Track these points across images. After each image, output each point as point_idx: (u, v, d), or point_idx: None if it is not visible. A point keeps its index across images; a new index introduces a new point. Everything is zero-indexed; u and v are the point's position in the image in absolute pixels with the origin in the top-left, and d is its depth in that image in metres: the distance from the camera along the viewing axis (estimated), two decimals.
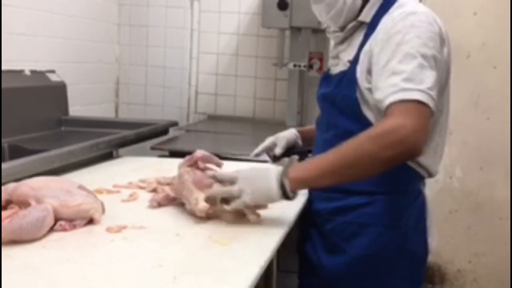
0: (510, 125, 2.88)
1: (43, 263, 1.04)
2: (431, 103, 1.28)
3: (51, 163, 1.69)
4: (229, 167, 1.51)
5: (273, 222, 1.35)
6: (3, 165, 1.48)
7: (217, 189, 1.31)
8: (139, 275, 1.01)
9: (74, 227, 1.23)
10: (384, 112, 1.31)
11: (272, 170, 1.29)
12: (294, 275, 1.64)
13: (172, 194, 1.45)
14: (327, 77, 1.58)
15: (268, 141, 1.75)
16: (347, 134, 1.41)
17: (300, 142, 1.77)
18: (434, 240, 1.56)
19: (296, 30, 2.98)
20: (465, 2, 2.87)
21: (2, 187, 1.28)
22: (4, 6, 2.23)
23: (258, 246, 1.18)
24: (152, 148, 2.36)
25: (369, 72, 1.39)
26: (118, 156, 2.21)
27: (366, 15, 1.46)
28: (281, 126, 3.09)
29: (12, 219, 1.15)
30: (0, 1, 2.19)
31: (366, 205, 1.46)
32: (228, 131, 2.99)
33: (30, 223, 1.14)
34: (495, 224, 2.97)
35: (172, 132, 2.67)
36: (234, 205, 1.28)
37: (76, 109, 2.76)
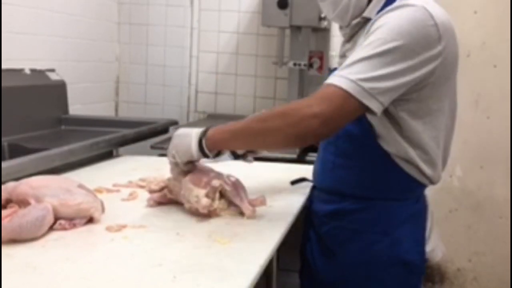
0: (510, 124, 2.88)
1: (43, 262, 1.04)
2: (359, 94, 1.21)
3: (51, 162, 1.69)
4: (229, 167, 1.51)
5: (273, 222, 1.35)
6: (3, 164, 1.48)
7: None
8: (139, 274, 1.01)
9: (74, 226, 1.23)
10: None
11: (194, 131, 1.39)
12: (294, 274, 1.64)
13: (169, 195, 1.45)
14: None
15: None
16: (347, 135, 1.41)
17: None
18: (438, 250, 1.52)
19: (296, 28, 2.98)
20: (465, 1, 2.86)
21: (2, 186, 1.28)
22: (4, 4, 2.23)
23: (258, 246, 1.18)
24: (152, 147, 2.36)
25: None
26: (118, 155, 2.21)
27: (371, 11, 1.40)
28: None
29: (12, 218, 1.15)
30: (0, 0, 2.19)
31: (360, 210, 1.43)
32: None
33: (30, 222, 1.14)
34: (495, 223, 2.97)
35: (172, 131, 2.67)
36: (172, 167, 1.44)
37: (76, 108, 2.76)
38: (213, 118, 3.33)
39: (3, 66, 2.20)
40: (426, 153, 1.38)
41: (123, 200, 1.51)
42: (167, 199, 1.45)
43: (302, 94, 3.11)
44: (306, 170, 1.72)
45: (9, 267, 1.01)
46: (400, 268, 1.42)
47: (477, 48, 2.89)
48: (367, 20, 1.40)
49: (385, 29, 1.27)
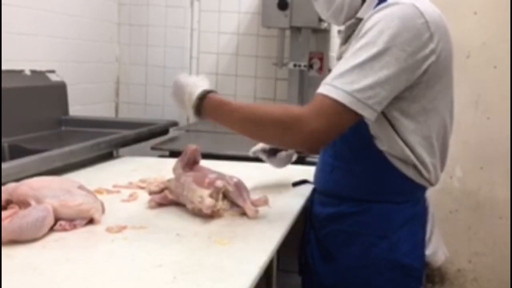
0: (510, 125, 2.88)
1: (43, 263, 1.04)
2: (355, 106, 1.22)
3: (51, 163, 1.69)
4: (229, 167, 1.51)
5: (273, 223, 1.35)
6: (3, 165, 1.48)
7: None
8: (139, 275, 1.01)
9: (74, 227, 1.24)
10: None
11: (197, 89, 1.42)
12: (294, 275, 1.64)
13: (170, 196, 1.45)
14: None
15: None
16: (344, 139, 1.39)
17: None
18: (441, 252, 1.50)
19: (296, 30, 2.98)
20: (465, 2, 2.87)
21: (2, 187, 1.28)
22: (4, 5, 2.23)
23: (258, 246, 1.18)
24: (152, 148, 2.36)
25: None
26: (118, 156, 2.21)
27: (365, 12, 1.38)
28: None
29: (12, 219, 1.15)
30: (0, 1, 2.19)
31: (358, 213, 1.42)
32: (228, 131, 2.97)
33: (30, 223, 1.14)
34: (495, 223, 2.97)
35: (172, 132, 2.67)
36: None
37: (76, 109, 2.76)
38: None
39: (3, 67, 2.20)
40: (418, 154, 1.37)
41: (124, 201, 1.51)
42: (168, 200, 1.45)
43: (302, 95, 3.11)
44: (307, 171, 1.71)
45: (9, 267, 1.01)
46: (398, 272, 1.40)
47: (477, 49, 2.90)
48: (360, 21, 1.37)
49: (375, 31, 1.26)
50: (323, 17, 1.52)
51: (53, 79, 2.52)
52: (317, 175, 1.56)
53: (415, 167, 1.38)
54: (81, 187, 1.32)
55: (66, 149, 1.79)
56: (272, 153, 1.70)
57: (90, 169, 1.91)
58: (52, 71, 2.55)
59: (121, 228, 1.25)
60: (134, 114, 3.33)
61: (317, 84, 1.67)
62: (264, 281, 1.40)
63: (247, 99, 3.34)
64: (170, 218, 1.36)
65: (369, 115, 1.24)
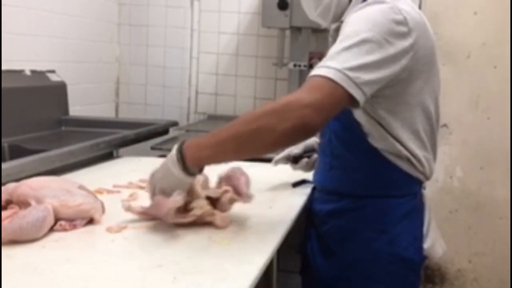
0: (510, 125, 2.88)
1: (43, 263, 1.04)
2: (345, 83, 1.21)
3: (51, 163, 1.69)
4: (228, 167, 1.51)
5: (273, 222, 1.35)
6: (3, 165, 1.48)
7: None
8: (139, 275, 1.01)
9: (74, 227, 1.24)
10: None
11: (168, 161, 1.27)
12: (294, 275, 1.64)
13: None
14: None
15: (288, 149, 1.72)
16: (339, 138, 1.44)
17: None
18: (438, 246, 1.52)
19: (296, 30, 2.98)
20: (465, 2, 2.86)
21: (2, 187, 1.28)
22: (4, 6, 2.23)
23: (258, 246, 1.18)
24: (152, 148, 2.36)
25: None
26: (118, 156, 2.21)
27: (349, 14, 1.40)
28: None
29: (12, 219, 1.15)
30: (0, 1, 2.19)
31: (357, 209, 1.44)
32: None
33: (30, 223, 1.15)
34: (495, 223, 2.97)
35: (172, 132, 2.67)
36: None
37: (76, 109, 2.76)
38: (213, 119, 3.33)
39: (3, 67, 2.20)
40: (409, 148, 1.39)
41: (124, 201, 1.51)
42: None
43: None
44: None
45: (9, 267, 1.01)
46: (399, 266, 1.42)
47: (477, 49, 2.90)
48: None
49: (357, 22, 1.30)
50: (310, 17, 1.53)
51: (53, 79, 2.52)
52: (317, 174, 1.58)
53: (409, 160, 1.41)
54: (81, 187, 1.32)
55: (66, 149, 1.79)
56: (294, 161, 1.72)
57: (90, 169, 1.91)
58: (52, 71, 2.55)
59: (121, 228, 1.25)
60: (134, 114, 3.33)
61: None
62: (264, 281, 1.40)
63: (247, 99, 3.34)
64: None
65: (358, 97, 1.23)
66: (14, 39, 2.33)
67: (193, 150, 1.24)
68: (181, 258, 1.10)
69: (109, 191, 1.57)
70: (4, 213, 1.18)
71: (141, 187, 1.63)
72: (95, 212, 1.28)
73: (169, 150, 1.33)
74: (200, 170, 1.28)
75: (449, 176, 2.98)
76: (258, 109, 1.24)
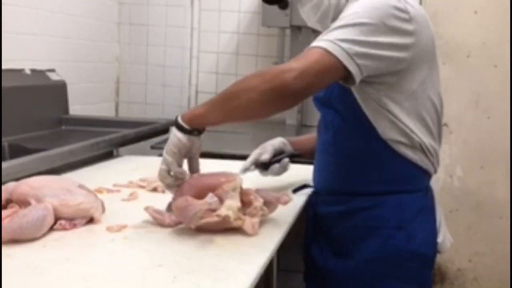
0: (510, 124, 2.88)
1: (43, 263, 1.04)
2: (336, 52, 1.23)
3: (51, 162, 1.69)
4: (229, 167, 1.51)
5: (273, 222, 1.34)
6: (3, 164, 1.48)
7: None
8: (139, 275, 1.01)
9: (74, 226, 1.23)
10: None
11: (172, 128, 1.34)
12: (294, 274, 1.64)
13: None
14: None
15: (254, 153, 1.67)
16: (346, 133, 1.43)
17: (289, 148, 1.70)
18: (447, 240, 1.54)
19: (296, 29, 2.98)
20: (465, 1, 2.86)
21: (2, 187, 1.28)
22: (4, 5, 2.23)
23: (258, 246, 1.18)
24: (153, 147, 2.36)
25: None
26: (118, 155, 2.21)
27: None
28: (281, 125, 3.09)
29: (12, 218, 1.15)
30: (0, 1, 2.19)
31: (372, 207, 1.43)
32: (228, 131, 2.98)
33: (30, 223, 1.14)
34: (496, 223, 2.97)
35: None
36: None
37: (76, 108, 2.76)
38: None
39: (3, 66, 2.20)
40: (419, 136, 1.40)
41: (124, 200, 1.51)
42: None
43: None
44: (306, 170, 1.71)
45: (9, 267, 1.01)
46: (415, 262, 1.43)
47: (477, 48, 2.90)
48: None
49: (357, 7, 1.30)
50: (309, 23, 1.53)
51: (53, 78, 2.52)
52: (319, 176, 1.56)
53: (420, 148, 1.41)
54: (81, 186, 1.32)
55: (66, 148, 1.79)
56: (264, 167, 1.65)
57: (90, 168, 1.91)
58: (52, 70, 2.55)
59: (121, 228, 1.25)
60: (134, 113, 3.33)
61: None
62: (264, 281, 1.40)
63: None
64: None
65: (352, 69, 1.24)
66: (14, 38, 2.33)
67: (189, 111, 1.33)
68: (181, 258, 1.09)
69: (109, 190, 1.57)
70: (4, 213, 1.18)
71: (141, 186, 1.63)
72: (95, 212, 1.28)
73: None
74: (200, 132, 1.32)
75: (449, 176, 2.98)
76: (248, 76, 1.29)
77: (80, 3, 2.88)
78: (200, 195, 1.23)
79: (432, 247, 1.47)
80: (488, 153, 2.94)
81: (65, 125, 2.54)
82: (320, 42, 1.26)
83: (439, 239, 1.48)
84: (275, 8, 2.82)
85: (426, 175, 1.47)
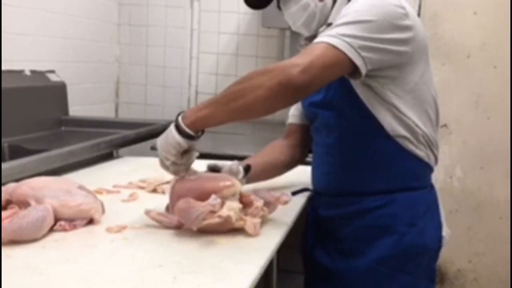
0: (510, 124, 2.88)
1: (43, 263, 1.04)
2: (340, 45, 1.24)
3: (51, 163, 1.69)
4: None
5: (273, 223, 1.34)
6: (3, 165, 1.48)
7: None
8: (139, 275, 1.01)
9: (74, 227, 1.24)
10: None
11: (171, 126, 1.29)
12: (294, 274, 1.64)
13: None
14: None
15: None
16: (351, 133, 1.43)
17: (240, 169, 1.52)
18: (446, 233, 1.56)
19: None
20: (465, 2, 2.86)
21: (2, 187, 1.28)
22: (4, 5, 2.23)
23: (258, 246, 1.18)
24: (152, 148, 2.35)
25: None
26: (118, 156, 2.21)
27: (334, 16, 1.42)
28: (281, 126, 3.09)
29: (12, 219, 1.15)
30: (0, 1, 2.19)
31: (383, 206, 1.44)
32: (227, 131, 2.99)
33: (30, 223, 1.15)
34: (495, 223, 2.97)
35: None
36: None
37: (76, 109, 2.76)
38: None
39: (3, 67, 2.20)
40: (422, 128, 1.42)
41: (123, 201, 1.51)
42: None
43: None
44: (305, 172, 1.71)
45: (9, 268, 1.01)
46: (425, 256, 1.46)
47: (477, 49, 2.90)
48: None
49: (357, 6, 1.32)
50: (293, 27, 1.53)
51: (53, 79, 2.52)
52: (321, 179, 1.56)
53: (424, 140, 1.43)
54: (81, 187, 1.32)
55: (66, 149, 1.79)
56: (215, 170, 1.53)
57: (90, 169, 1.91)
58: (52, 71, 2.55)
59: (121, 228, 1.25)
60: (134, 114, 3.33)
61: None
62: (264, 281, 1.40)
63: None
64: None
65: (357, 61, 1.25)
66: (14, 39, 2.33)
67: (191, 113, 1.28)
68: (181, 258, 1.10)
69: (109, 191, 1.57)
70: (4, 213, 1.18)
71: (141, 187, 1.63)
72: (95, 212, 1.28)
73: None
74: (200, 134, 1.29)
75: (449, 176, 2.98)
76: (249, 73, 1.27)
77: (80, 4, 2.88)
78: (198, 200, 1.22)
79: (438, 241, 1.51)
80: (488, 153, 2.94)
81: (65, 126, 2.53)
82: (323, 37, 1.27)
83: (444, 232, 1.52)
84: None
85: (430, 170, 1.50)
